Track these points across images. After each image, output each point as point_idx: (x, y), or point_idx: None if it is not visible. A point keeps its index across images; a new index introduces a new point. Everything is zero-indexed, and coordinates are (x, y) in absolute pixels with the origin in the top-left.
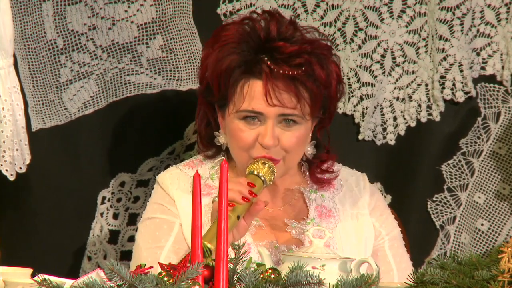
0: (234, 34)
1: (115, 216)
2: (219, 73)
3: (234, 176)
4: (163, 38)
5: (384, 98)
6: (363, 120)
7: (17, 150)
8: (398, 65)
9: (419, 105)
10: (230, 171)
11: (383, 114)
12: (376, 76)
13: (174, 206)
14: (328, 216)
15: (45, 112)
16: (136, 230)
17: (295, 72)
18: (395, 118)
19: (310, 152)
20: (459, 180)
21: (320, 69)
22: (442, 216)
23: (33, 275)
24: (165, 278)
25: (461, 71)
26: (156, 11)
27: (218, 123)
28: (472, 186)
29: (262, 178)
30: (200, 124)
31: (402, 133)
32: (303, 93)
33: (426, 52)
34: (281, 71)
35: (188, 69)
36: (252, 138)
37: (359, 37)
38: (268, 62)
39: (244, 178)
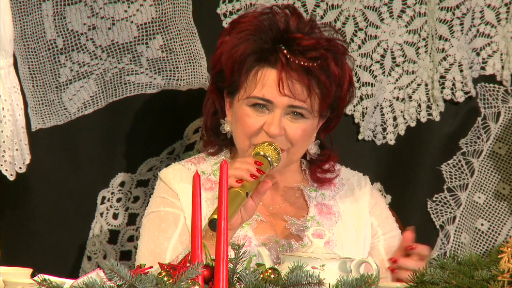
0: (253, 22)
1: (115, 216)
2: (234, 58)
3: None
4: (163, 38)
5: (384, 98)
6: (363, 120)
7: (17, 150)
8: (398, 65)
9: (419, 105)
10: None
11: (383, 114)
12: (376, 76)
13: (177, 200)
14: (328, 214)
15: (45, 112)
16: (136, 230)
17: (311, 64)
18: (395, 118)
19: (314, 151)
20: (459, 180)
21: (335, 65)
22: (442, 216)
23: (33, 275)
24: (165, 278)
25: (461, 71)
26: (156, 11)
27: (225, 112)
28: (472, 186)
29: (269, 158)
30: (207, 113)
31: (402, 133)
32: (315, 87)
33: (426, 52)
34: (296, 61)
35: (188, 69)
36: (258, 125)
37: (359, 37)
38: (285, 51)
39: (251, 158)
